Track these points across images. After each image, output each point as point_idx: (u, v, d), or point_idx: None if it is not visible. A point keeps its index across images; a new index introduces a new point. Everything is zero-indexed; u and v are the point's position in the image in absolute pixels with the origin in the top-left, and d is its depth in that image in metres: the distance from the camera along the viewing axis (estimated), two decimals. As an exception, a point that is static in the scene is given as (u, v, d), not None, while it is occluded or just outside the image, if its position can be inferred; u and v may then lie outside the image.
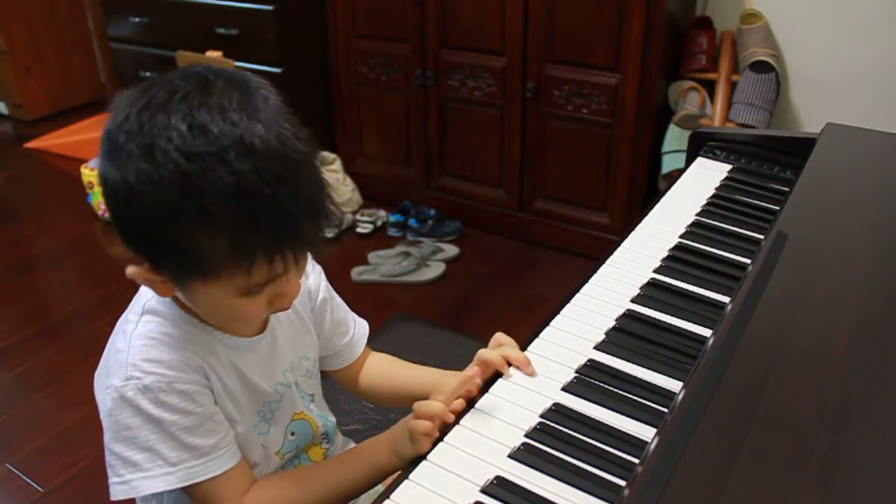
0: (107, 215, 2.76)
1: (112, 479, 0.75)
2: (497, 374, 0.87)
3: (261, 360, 0.84)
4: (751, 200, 1.22)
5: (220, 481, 0.77)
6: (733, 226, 1.16)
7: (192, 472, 0.75)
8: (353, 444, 1.02)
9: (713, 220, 1.18)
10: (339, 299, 0.98)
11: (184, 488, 0.76)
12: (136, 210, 0.65)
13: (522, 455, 0.76)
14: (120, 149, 0.65)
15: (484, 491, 0.72)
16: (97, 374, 0.82)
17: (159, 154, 0.63)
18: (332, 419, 0.97)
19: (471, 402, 0.83)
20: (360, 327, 1.00)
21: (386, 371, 1.01)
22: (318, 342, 0.94)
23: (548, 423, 0.80)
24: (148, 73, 3.21)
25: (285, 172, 0.65)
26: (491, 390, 0.85)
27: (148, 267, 0.71)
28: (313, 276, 0.93)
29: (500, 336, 0.90)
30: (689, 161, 1.38)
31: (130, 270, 0.71)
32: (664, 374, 0.87)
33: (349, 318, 0.99)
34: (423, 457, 0.77)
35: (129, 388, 0.72)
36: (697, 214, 1.19)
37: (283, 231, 0.66)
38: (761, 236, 1.10)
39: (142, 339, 0.75)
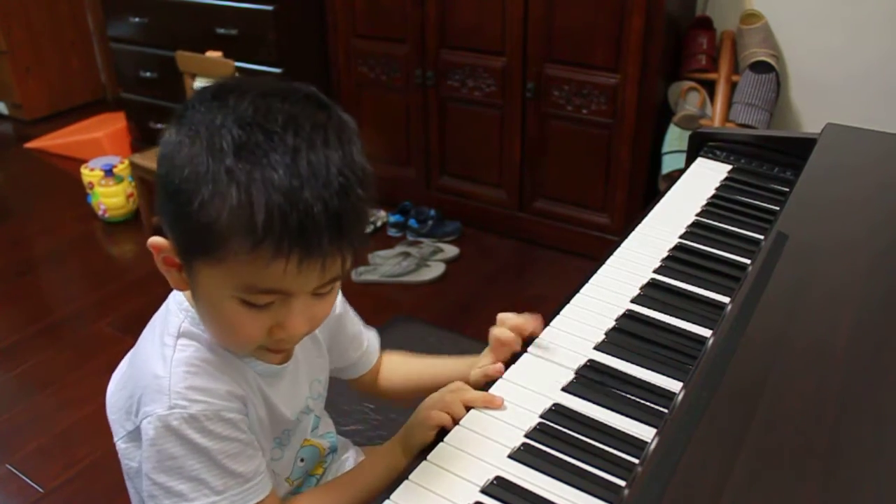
0: (107, 215, 2.77)
1: None
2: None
3: (287, 387, 0.83)
4: (751, 200, 1.22)
5: None
6: (733, 226, 1.16)
7: (236, 500, 0.73)
8: (351, 447, 1.02)
9: (713, 220, 1.18)
10: (352, 312, 0.97)
11: None
12: (174, 162, 0.65)
13: (522, 455, 0.76)
14: (190, 111, 0.66)
15: (484, 491, 0.72)
16: (114, 392, 0.80)
17: (220, 119, 0.64)
18: (333, 431, 0.97)
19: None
20: (372, 338, 1.01)
21: (403, 370, 1.02)
22: (332, 357, 0.94)
23: (548, 423, 0.80)
24: (148, 74, 3.21)
25: (322, 181, 0.63)
26: (491, 390, 0.85)
27: (170, 242, 0.69)
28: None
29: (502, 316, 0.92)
30: (689, 161, 1.38)
31: (153, 238, 0.71)
32: (664, 374, 0.87)
33: (362, 330, 0.99)
34: (423, 456, 0.77)
35: (173, 417, 0.70)
36: (697, 214, 1.19)
37: (296, 225, 0.62)
38: (761, 236, 1.10)
39: (183, 365, 0.73)
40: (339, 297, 0.94)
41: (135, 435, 0.76)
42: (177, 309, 0.77)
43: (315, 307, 0.71)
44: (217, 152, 0.62)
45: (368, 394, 1.05)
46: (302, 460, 0.89)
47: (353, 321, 0.97)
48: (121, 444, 0.77)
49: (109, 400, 0.81)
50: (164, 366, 0.73)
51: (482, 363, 0.92)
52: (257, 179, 0.61)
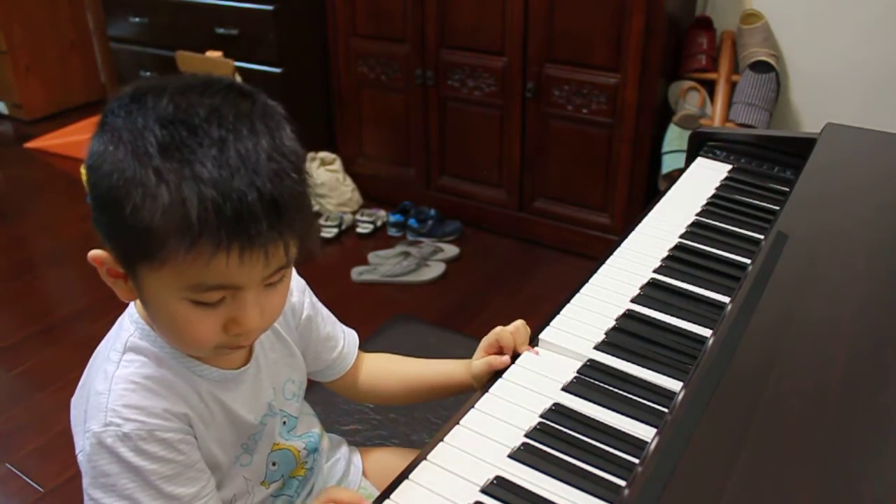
0: (107, 215, 2.77)
1: None
2: (497, 375, 0.88)
3: (247, 391, 0.81)
4: (751, 200, 1.22)
5: None
6: (733, 226, 1.16)
7: None
8: (344, 446, 1.02)
9: (713, 220, 1.18)
10: (325, 312, 0.95)
11: None
12: (101, 171, 0.64)
13: (522, 455, 0.76)
14: (107, 116, 0.65)
15: (484, 491, 0.72)
16: (74, 403, 0.80)
17: (140, 120, 0.63)
18: (316, 430, 0.95)
19: (471, 402, 0.84)
20: (349, 339, 0.98)
21: (390, 372, 1.00)
22: (307, 360, 0.92)
23: (548, 423, 0.80)
24: (148, 73, 3.21)
25: (258, 167, 0.62)
26: (491, 390, 0.85)
27: (112, 255, 0.68)
28: (297, 294, 0.90)
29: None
30: (689, 161, 1.38)
31: (93, 252, 0.69)
32: (664, 374, 0.87)
33: (337, 330, 0.97)
34: (423, 456, 0.77)
35: (107, 434, 0.69)
36: (697, 214, 1.19)
37: (232, 216, 0.61)
38: (761, 236, 1.10)
39: (123, 382, 0.72)
40: (308, 299, 0.92)
41: None
42: (129, 322, 0.76)
43: (267, 298, 0.70)
44: (143, 155, 0.61)
45: (348, 397, 1.03)
46: (274, 464, 0.88)
47: (326, 321, 0.95)
48: (80, 457, 0.76)
49: (72, 413, 0.80)
50: (105, 382, 0.72)
51: (479, 356, 0.91)
52: (186, 176, 0.60)
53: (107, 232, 0.67)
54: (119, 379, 0.72)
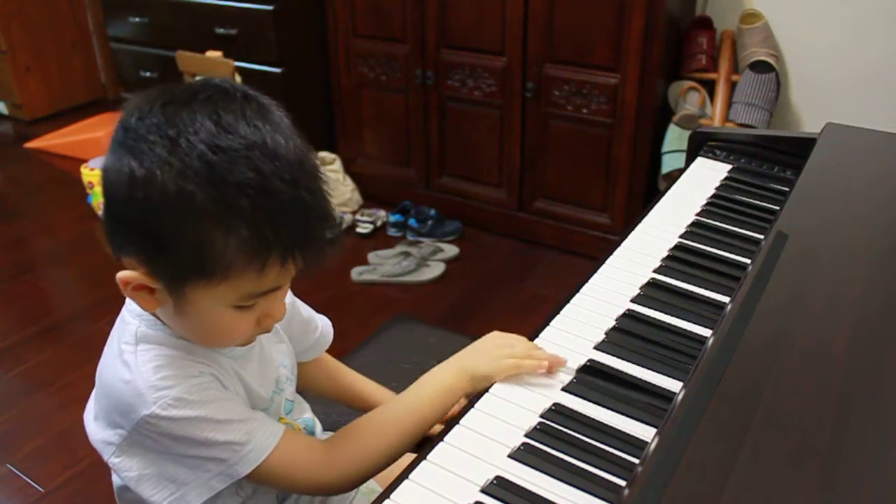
0: (107, 215, 2.76)
1: (204, 475, 0.74)
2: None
3: (256, 367, 0.84)
4: (751, 200, 1.22)
5: (290, 444, 0.77)
6: (733, 226, 1.16)
7: (264, 441, 0.75)
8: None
9: (713, 220, 1.18)
10: (299, 301, 0.99)
11: (265, 476, 0.76)
12: (150, 201, 0.63)
13: (522, 455, 0.76)
14: (140, 139, 0.64)
15: (484, 491, 0.72)
16: (91, 417, 0.80)
17: (184, 144, 0.63)
18: (309, 415, 0.97)
19: (471, 402, 0.84)
20: (323, 320, 1.02)
21: (338, 374, 1.06)
22: (292, 342, 0.96)
23: (548, 423, 0.80)
24: (148, 74, 3.21)
25: (303, 179, 0.67)
26: (491, 390, 0.85)
27: (144, 271, 0.69)
28: None
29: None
30: (689, 161, 1.38)
31: (122, 275, 0.70)
32: (664, 374, 0.87)
33: (312, 312, 1.01)
34: (423, 456, 0.77)
35: (160, 407, 0.71)
36: (697, 214, 1.19)
37: (300, 232, 0.67)
38: (761, 236, 1.10)
39: (148, 363, 0.73)
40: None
41: (125, 447, 0.75)
42: (130, 316, 0.77)
43: (286, 288, 0.76)
44: (198, 180, 0.62)
45: (313, 388, 1.06)
46: None
47: (304, 306, 0.99)
48: (113, 460, 0.76)
49: (88, 426, 0.80)
50: (130, 370, 0.73)
51: None
52: (248, 204, 0.63)
53: (152, 256, 0.68)
54: (143, 362, 0.73)
